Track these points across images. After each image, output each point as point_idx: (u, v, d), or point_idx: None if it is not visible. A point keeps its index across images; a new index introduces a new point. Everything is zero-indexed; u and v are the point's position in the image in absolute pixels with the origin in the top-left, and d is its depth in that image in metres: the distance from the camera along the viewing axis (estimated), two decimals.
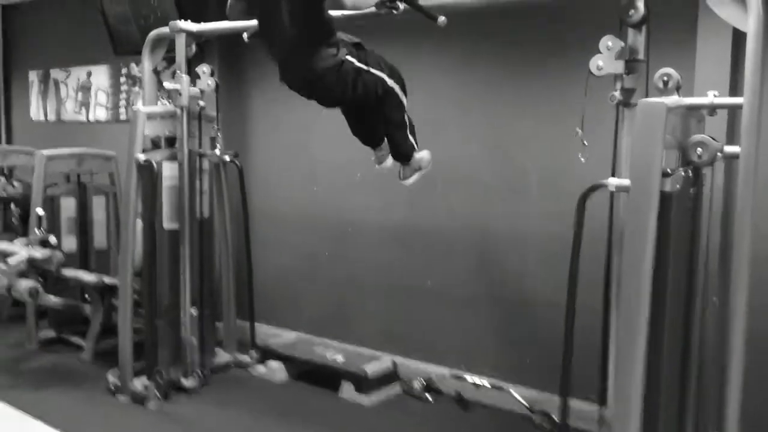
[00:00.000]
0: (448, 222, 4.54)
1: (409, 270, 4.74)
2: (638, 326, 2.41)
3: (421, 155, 3.57)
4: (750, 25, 2.56)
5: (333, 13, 3.29)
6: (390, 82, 3.34)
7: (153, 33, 4.57)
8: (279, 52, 3.35)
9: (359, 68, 3.26)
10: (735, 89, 3.16)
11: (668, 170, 2.47)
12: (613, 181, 2.54)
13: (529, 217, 4.21)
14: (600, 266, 2.90)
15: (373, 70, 3.29)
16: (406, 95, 3.41)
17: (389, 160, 3.65)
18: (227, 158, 4.70)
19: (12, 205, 6.22)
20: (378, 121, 3.49)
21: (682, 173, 2.55)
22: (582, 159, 2.93)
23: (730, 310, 2.66)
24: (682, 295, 2.73)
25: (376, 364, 4.56)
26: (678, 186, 2.48)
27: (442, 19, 3.25)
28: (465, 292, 4.50)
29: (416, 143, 3.54)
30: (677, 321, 2.69)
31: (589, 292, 2.91)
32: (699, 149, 2.53)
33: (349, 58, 3.24)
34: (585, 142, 2.92)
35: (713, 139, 2.56)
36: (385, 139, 3.58)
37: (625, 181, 2.46)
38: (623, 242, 2.52)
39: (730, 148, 2.63)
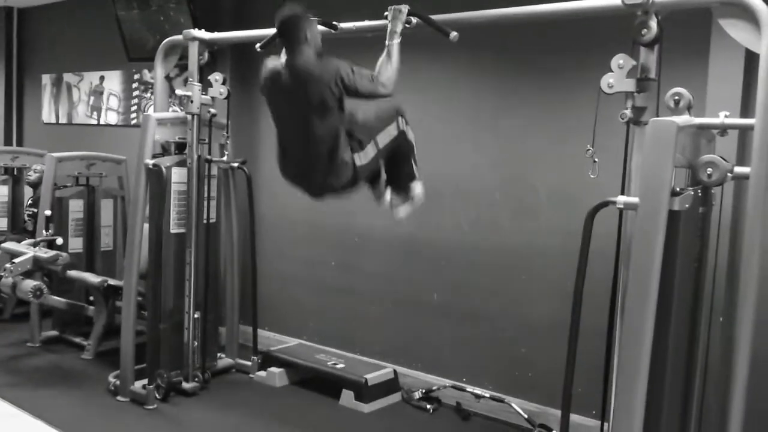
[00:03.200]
0: (456, 236, 4.54)
1: (415, 282, 4.74)
2: (642, 343, 2.39)
3: (418, 189, 3.51)
4: (763, 47, 2.56)
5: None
6: (407, 130, 3.38)
7: (167, 41, 4.61)
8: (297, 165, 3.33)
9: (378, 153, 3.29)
10: (746, 109, 3.16)
11: (677, 189, 2.46)
12: (622, 199, 2.53)
13: (538, 233, 4.20)
14: (606, 283, 2.89)
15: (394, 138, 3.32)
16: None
17: (388, 194, 3.57)
18: (236, 165, 4.72)
19: (27, 203, 6.25)
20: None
21: (692, 193, 2.54)
22: (592, 176, 2.92)
23: (736, 331, 2.65)
24: (688, 314, 2.72)
25: (377, 372, 4.55)
26: (687, 205, 2.48)
27: (454, 34, 3.28)
28: (471, 307, 4.49)
29: (417, 170, 3.50)
30: (682, 340, 2.68)
31: (594, 309, 2.91)
32: (709, 169, 2.53)
33: (368, 154, 3.25)
34: (596, 159, 2.92)
35: (723, 159, 2.56)
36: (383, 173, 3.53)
37: (634, 199, 2.45)
38: (630, 259, 2.51)
39: (740, 169, 2.62)
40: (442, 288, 4.62)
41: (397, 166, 3.46)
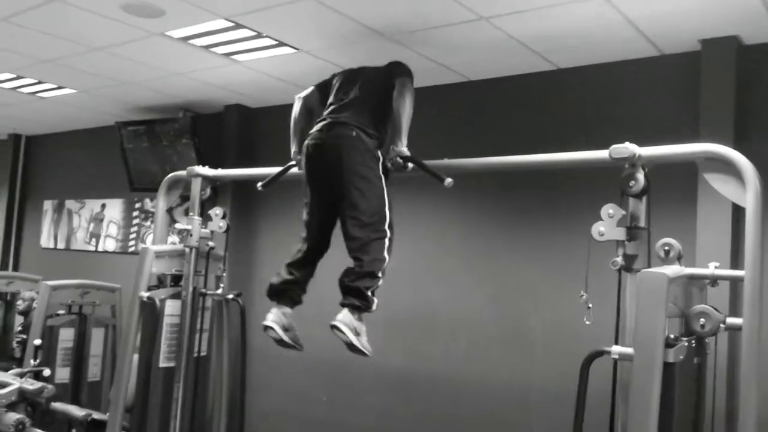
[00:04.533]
0: (449, 369, 4.48)
1: (407, 419, 4.62)
2: None
3: (366, 343, 3.25)
4: (748, 201, 2.63)
5: None
6: (386, 226, 3.32)
7: (170, 176, 4.71)
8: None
9: (380, 176, 3.34)
10: (736, 258, 3.22)
11: (672, 338, 2.47)
12: (616, 349, 2.52)
13: (533, 371, 4.16)
14: (602, 425, 2.83)
15: (386, 196, 3.33)
16: (390, 256, 3.32)
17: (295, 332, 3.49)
18: (230, 297, 4.71)
19: (17, 330, 6.18)
20: (352, 254, 3.28)
21: (686, 344, 2.54)
22: (587, 322, 2.92)
23: None
24: None
25: None
26: (682, 357, 2.47)
27: (448, 180, 3.29)
28: None
29: (375, 302, 3.26)
30: None
31: None
32: (702, 320, 2.54)
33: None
34: (590, 305, 2.93)
35: (716, 309, 2.57)
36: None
37: (629, 350, 2.45)
38: (627, 410, 2.47)
39: (732, 320, 2.63)
40: (434, 427, 4.49)
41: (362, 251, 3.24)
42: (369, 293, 3.21)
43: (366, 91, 3.49)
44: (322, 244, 3.55)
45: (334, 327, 3.18)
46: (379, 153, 3.39)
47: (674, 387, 2.45)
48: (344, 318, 3.18)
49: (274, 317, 3.46)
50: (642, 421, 2.35)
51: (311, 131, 3.50)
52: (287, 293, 3.50)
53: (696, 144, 2.82)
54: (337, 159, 3.31)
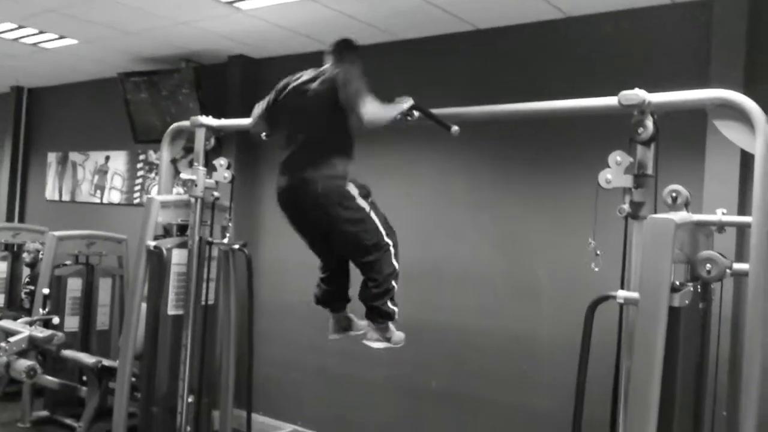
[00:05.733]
0: (456, 321, 4.53)
1: (414, 369, 4.69)
2: None
3: (399, 334, 3.48)
4: (757, 148, 2.62)
5: None
6: (386, 239, 3.37)
7: (174, 126, 4.69)
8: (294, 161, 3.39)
9: (362, 207, 3.31)
10: (744, 205, 3.22)
11: (677, 284, 2.48)
12: (622, 294, 2.54)
13: (539, 320, 4.20)
14: (608, 372, 2.87)
15: (374, 218, 3.34)
16: (398, 261, 3.43)
17: (358, 323, 3.63)
18: (236, 247, 4.73)
19: (25, 281, 6.25)
20: (364, 274, 3.42)
21: (691, 288, 2.56)
22: (595, 269, 2.94)
23: (739, 424, 2.61)
24: (691, 409, 2.69)
25: None
26: (687, 301, 2.49)
27: (455, 128, 3.31)
28: (469, 395, 4.43)
29: (396, 311, 3.45)
30: None
31: (596, 401, 2.87)
32: (708, 265, 2.56)
33: (355, 189, 3.32)
34: (598, 252, 2.94)
35: (722, 255, 2.59)
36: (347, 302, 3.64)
37: (635, 295, 2.46)
38: (632, 355, 2.50)
39: (738, 266, 2.65)
40: (442, 375, 4.57)
41: (373, 278, 3.38)
42: (389, 307, 3.41)
43: (315, 126, 3.37)
44: (339, 260, 3.64)
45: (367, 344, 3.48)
46: (349, 184, 3.33)
47: (679, 331, 2.48)
48: (372, 335, 3.46)
49: (333, 326, 3.73)
50: (647, 364, 2.38)
51: (278, 180, 3.45)
52: (332, 302, 3.70)
53: (706, 90, 2.79)
54: (318, 216, 3.35)
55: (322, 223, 3.39)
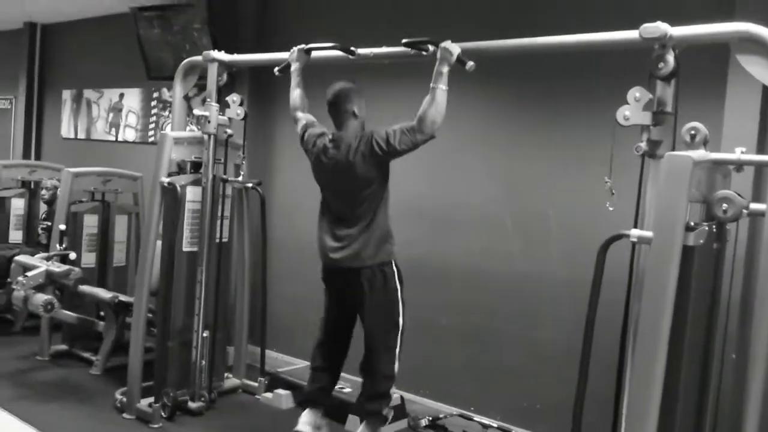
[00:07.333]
0: (467, 261, 4.53)
1: (424, 306, 4.70)
2: (654, 378, 2.37)
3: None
4: None
5: None
6: (401, 319, 3.60)
7: (186, 61, 4.65)
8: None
9: (397, 288, 3.57)
10: (763, 145, 3.15)
11: (692, 224, 2.45)
12: (635, 233, 2.51)
13: (549, 260, 4.19)
14: (618, 313, 2.87)
15: (400, 296, 3.58)
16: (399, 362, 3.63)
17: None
18: (250, 185, 4.74)
19: (41, 217, 6.32)
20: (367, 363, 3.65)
21: (706, 228, 2.52)
22: (610, 208, 2.91)
23: (749, 368, 2.62)
24: (701, 350, 2.69)
25: None
26: (701, 241, 2.46)
27: (470, 64, 3.27)
28: (479, 333, 4.46)
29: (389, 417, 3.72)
30: (694, 375, 2.65)
31: (605, 341, 2.88)
32: (724, 205, 2.51)
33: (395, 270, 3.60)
34: (613, 191, 2.90)
35: (739, 195, 2.54)
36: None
37: (648, 233, 2.43)
38: (643, 293, 2.49)
39: (755, 206, 2.60)
40: (452, 312, 4.60)
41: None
42: (384, 412, 3.64)
43: (363, 205, 3.52)
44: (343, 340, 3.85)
45: None
46: (393, 265, 3.60)
47: (692, 271, 2.45)
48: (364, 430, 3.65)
49: (307, 419, 3.80)
50: (658, 303, 2.37)
51: (325, 248, 3.70)
52: (317, 401, 3.84)
53: (730, 23, 2.70)
54: (361, 303, 3.60)
55: (360, 303, 3.62)
